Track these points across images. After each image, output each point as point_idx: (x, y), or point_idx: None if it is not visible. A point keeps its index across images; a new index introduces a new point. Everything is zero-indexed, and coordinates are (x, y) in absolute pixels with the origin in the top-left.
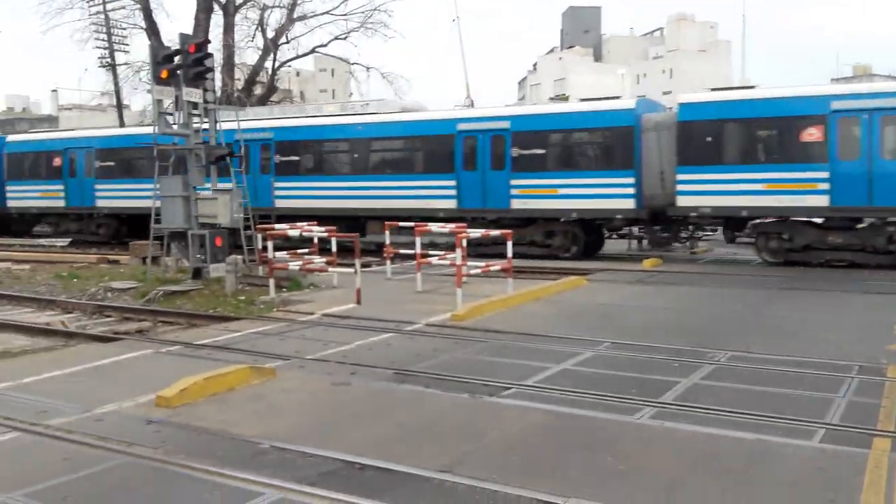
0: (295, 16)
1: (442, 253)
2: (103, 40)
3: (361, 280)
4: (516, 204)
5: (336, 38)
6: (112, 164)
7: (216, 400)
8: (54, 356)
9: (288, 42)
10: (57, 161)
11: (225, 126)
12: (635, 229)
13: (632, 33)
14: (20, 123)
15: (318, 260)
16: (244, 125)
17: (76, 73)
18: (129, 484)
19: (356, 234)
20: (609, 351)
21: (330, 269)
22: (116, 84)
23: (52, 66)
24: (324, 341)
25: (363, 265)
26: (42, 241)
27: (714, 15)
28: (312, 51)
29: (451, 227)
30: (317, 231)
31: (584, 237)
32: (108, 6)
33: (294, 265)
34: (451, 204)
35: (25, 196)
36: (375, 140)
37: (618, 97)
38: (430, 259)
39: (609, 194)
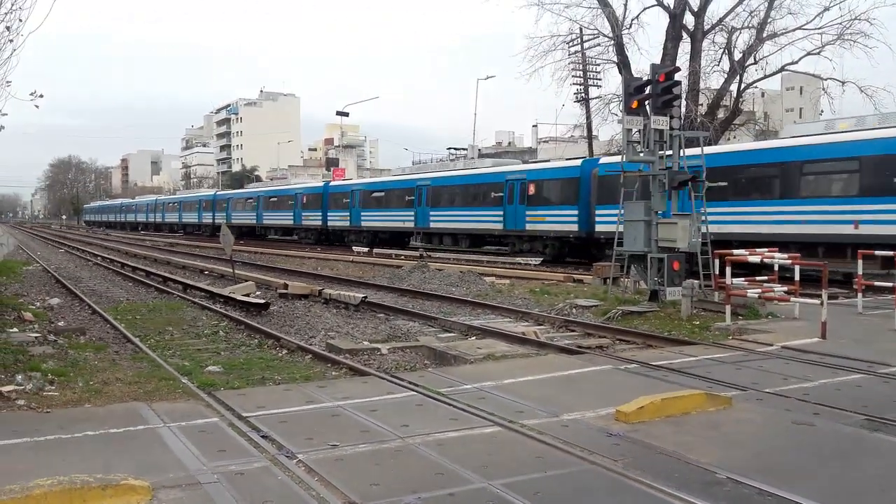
0: (764, 35)
1: None
2: (579, 76)
3: (828, 313)
4: None
5: (808, 54)
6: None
7: (671, 422)
8: (528, 363)
9: (756, 62)
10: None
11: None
12: None
13: None
14: (505, 156)
15: (779, 288)
16: None
17: (554, 108)
18: (591, 490)
19: (824, 263)
20: None
21: (792, 298)
22: (588, 116)
23: (533, 104)
24: (783, 375)
25: (830, 297)
26: (519, 259)
27: None
28: (781, 69)
29: None
30: (778, 258)
31: None
32: (586, 44)
33: (752, 293)
34: None
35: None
36: None
37: None
38: None
39: None
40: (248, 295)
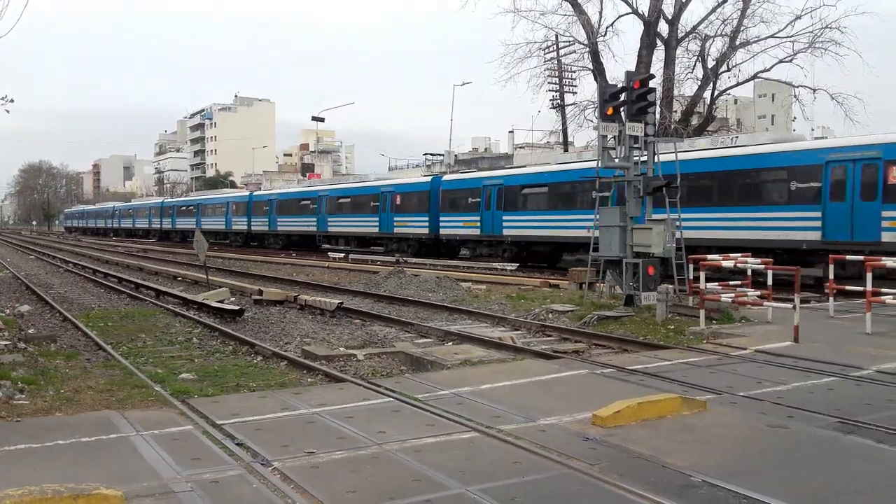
0: (737, 43)
1: None
2: (554, 83)
3: (800, 317)
4: None
5: (780, 62)
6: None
7: (647, 425)
8: (505, 368)
9: (728, 70)
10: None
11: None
12: None
13: None
14: (482, 162)
15: (752, 293)
16: None
17: (530, 115)
18: (568, 495)
19: (797, 268)
20: None
21: (765, 303)
22: (564, 123)
23: (510, 111)
24: (757, 379)
25: (802, 301)
26: (496, 265)
27: None
28: (754, 77)
29: None
30: (751, 263)
31: None
32: (561, 51)
33: (726, 297)
34: None
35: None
36: None
37: None
38: (882, 297)
39: None
40: (222, 301)
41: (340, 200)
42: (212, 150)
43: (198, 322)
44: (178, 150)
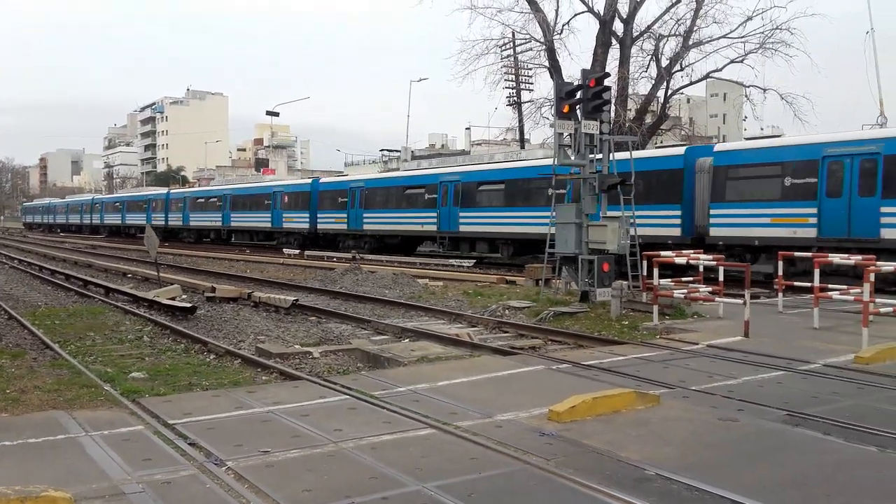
0: (690, 43)
1: (844, 287)
2: (511, 80)
3: (750, 312)
4: None
5: (732, 62)
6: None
7: (602, 420)
8: (462, 364)
9: (682, 69)
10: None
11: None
12: None
13: None
14: (438, 158)
15: (704, 289)
16: None
17: (487, 111)
18: (525, 490)
19: (747, 265)
20: None
21: (716, 298)
22: (521, 120)
23: (467, 108)
24: (708, 373)
25: (752, 297)
26: (452, 261)
27: None
28: (706, 76)
29: (856, 258)
30: (703, 259)
31: None
32: (518, 48)
33: (679, 293)
34: None
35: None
36: None
37: None
38: (829, 293)
39: None
40: (173, 298)
41: (483, 188)
42: (163, 145)
43: (149, 320)
44: (128, 145)
